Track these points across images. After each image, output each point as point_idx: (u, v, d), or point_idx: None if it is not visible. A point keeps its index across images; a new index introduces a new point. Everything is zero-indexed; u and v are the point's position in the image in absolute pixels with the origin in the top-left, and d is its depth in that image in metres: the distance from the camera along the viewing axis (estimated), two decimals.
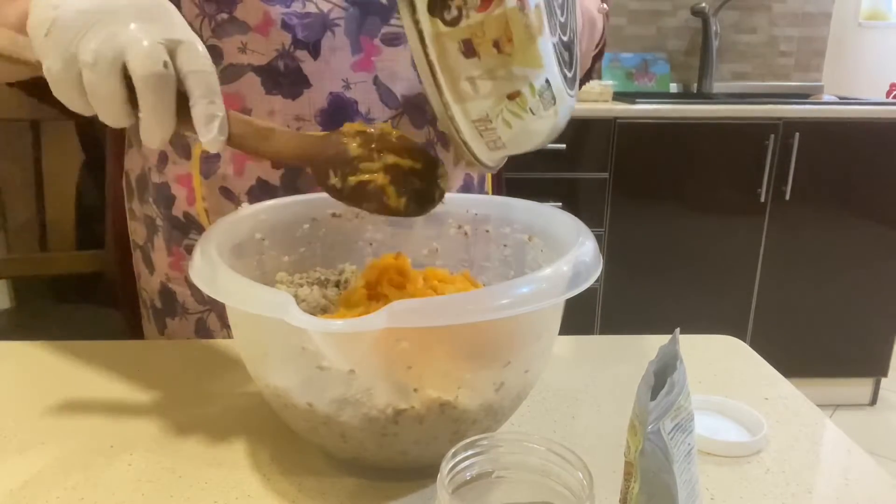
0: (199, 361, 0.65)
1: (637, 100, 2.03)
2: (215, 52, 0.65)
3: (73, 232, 1.40)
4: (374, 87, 0.67)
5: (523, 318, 0.42)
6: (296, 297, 0.56)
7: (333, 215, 0.61)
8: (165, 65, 0.41)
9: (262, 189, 0.68)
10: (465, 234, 0.62)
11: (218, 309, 0.72)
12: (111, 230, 0.83)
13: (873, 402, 2.27)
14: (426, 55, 0.37)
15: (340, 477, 0.48)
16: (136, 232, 0.76)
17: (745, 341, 0.71)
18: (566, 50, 0.43)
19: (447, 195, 0.62)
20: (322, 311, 0.55)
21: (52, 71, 0.42)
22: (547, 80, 0.38)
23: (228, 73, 0.66)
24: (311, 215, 0.60)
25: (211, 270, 0.44)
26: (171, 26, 0.43)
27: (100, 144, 1.32)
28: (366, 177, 0.46)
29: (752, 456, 0.52)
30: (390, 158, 0.46)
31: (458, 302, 0.40)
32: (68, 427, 0.54)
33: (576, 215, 0.54)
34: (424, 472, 0.47)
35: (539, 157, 1.93)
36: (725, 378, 0.64)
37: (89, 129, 1.48)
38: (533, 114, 0.39)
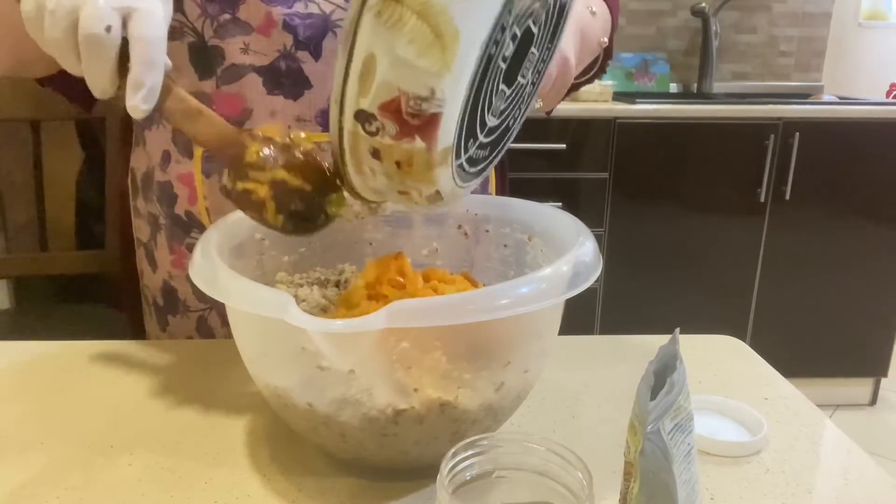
0: (199, 361, 0.65)
1: (637, 100, 2.03)
2: (217, 53, 0.65)
3: (73, 232, 1.40)
4: None
5: (523, 318, 0.42)
6: (296, 297, 0.56)
7: None
8: (108, 29, 0.41)
9: None
10: (465, 234, 0.62)
11: (219, 307, 0.72)
12: (116, 227, 0.83)
13: (873, 402, 2.27)
14: (340, 139, 0.42)
15: (340, 477, 0.48)
16: (140, 229, 0.77)
17: (745, 341, 0.71)
18: (481, 148, 0.46)
19: None
20: (322, 311, 0.55)
21: (25, 11, 0.43)
22: (437, 191, 0.43)
23: (230, 74, 0.66)
24: None
25: (211, 270, 0.44)
26: None
27: (100, 144, 1.32)
28: (250, 186, 0.45)
29: (752, 456, 0.52)
30: (279, 174, 0.45)
31: (458, 302, 0.40)
32: (68, 427, 0.54)
33: (576, 215, 0.54)
34: (424, 472, 0.47)
35: (539, 157, 1.93)
36: (725, 378, 0.64)
37: (89, 129, 1.48)
38: (417, 204, 0.45)
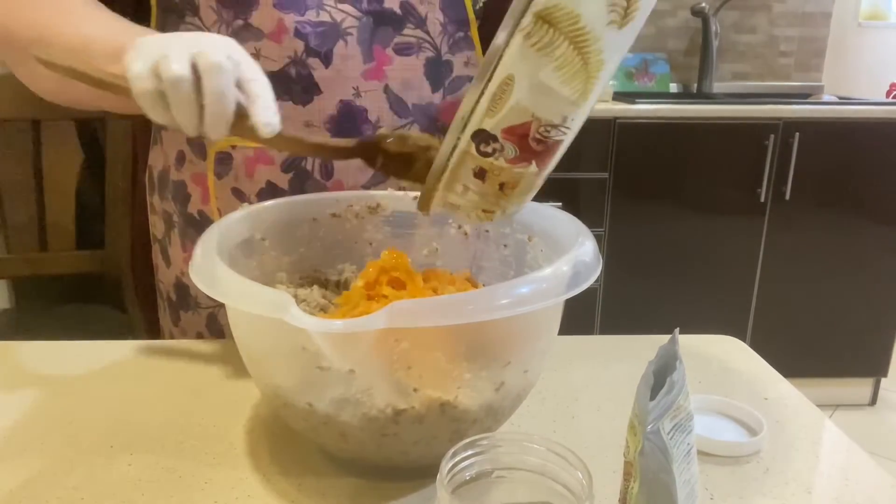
0: (200, 361, 0.65)
1: (637, 100, 2.03)
2: None
3: (73, 232, 1.40)
4: (385, 95, 0.68)
5: (523, 318, 0.42)
6: (296, 297, 0.56)
7: (333, 215, 0.61)
8: (228, 58, 0.46)
9: (271, 192, 0.68)
10: (465, 234, 0.62)
11: None
12: (116, 227, 0.84)
13: (873, 402, 2.27)
14: (448, 156, 0.42)
15: (340, 477, 0.48)
16: (156, 226, 0.78)
17: (745, 341, 0.71)
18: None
19: None
20: (322, 311, 0.55)
21: (134, 73, 0.47)
22: (517, 210, 0.45)
23: None
24: (311, 215, 0.60)
25: (211, 270, 0.44)
26: (235, 47, 0.49)
27: (100, 144, 1.32)
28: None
29: (752, 456, 0.52)
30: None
31: (458, 302, 0.40)
32: (68, 427, 0.54)
33: (576, 215, 0.54)
34: (424, 472, 0.47)
35: None
36: (725, 378, 0.64)
37: (89, 129, 1.48)
38: (493, 221, 0.46)
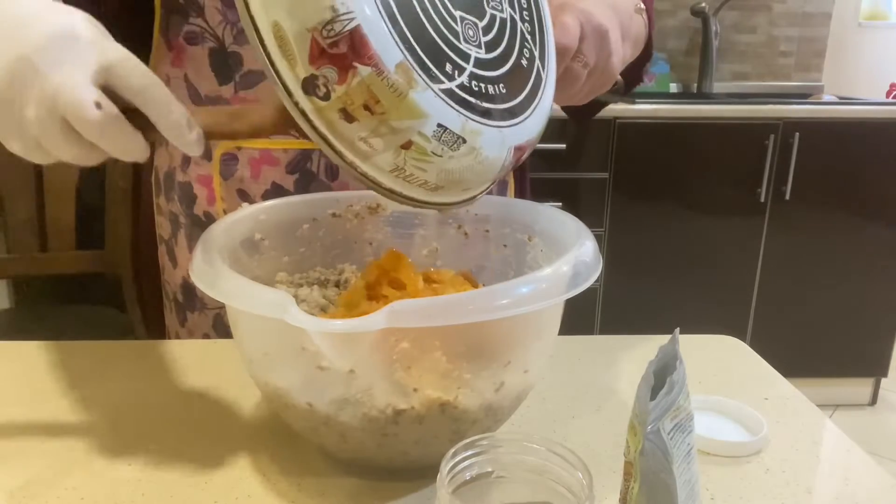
0: (199, 361, 0.65)
1: (637, 100, 2.03)
2: (236, 59, 0.66)
3: (73, 232, 1.40)
4: (185, 84, 0.67)
5: (523, 318, 0.42)
6: (296, 297, 0.56)
7: (333, 215, 0.61)
8: (98, 105, 0.37)
9: (276, 193, 0.69)
10: (465, 234, 0.62)
11: None
12: (116, 226, 0.84)
13: (873, 402, 2.27)
14: (315, 129, 0.39)
15: (340, 477, 0.48)
16: (162, 226, 0.79)
17: (745, 341, 0.71)
18: (487, 82, 0.43)
19: None
20: (322, 311, 0.55)
21: (15, 150, 0.40)
22: (439, 125, 0.39)
23: (248, 80, 0.67)
24: (311, 215, 0.60)
25: (211, 270, 0.44)
26: (94, 50, 0.39)
27: None
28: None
29: (752, 456, 0.52)
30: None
31: (458, 302, 0.40)
32: (68, 427, 0.54)
33: (576, 215, 0.54)
34: (424, 472, 0.47)
35: (539, 157, 1.93)
36: (725, 378, 0.64)
37: None
38: (440, 156, 0.41)
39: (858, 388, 2.27)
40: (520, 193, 0.85)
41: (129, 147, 0.40)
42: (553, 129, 1.92)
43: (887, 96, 2.40)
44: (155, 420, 0.55)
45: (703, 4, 2.39)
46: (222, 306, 0.74)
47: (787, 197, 2.03)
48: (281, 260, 0.59)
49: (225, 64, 0.66)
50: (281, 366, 0.45)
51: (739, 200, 2.04)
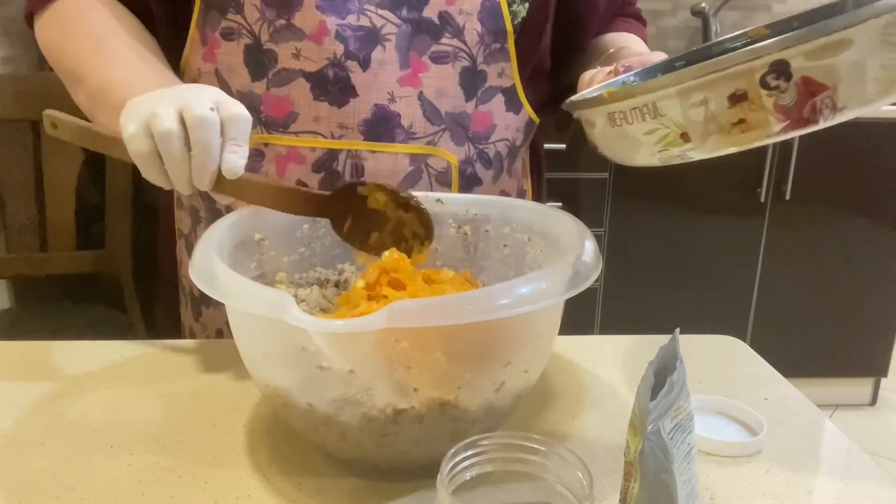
0: (200, 361, 0.65)
1: None
2: (270, 56, 0.67)
3: (73, 232, 1.40)
4: (419, 102, 0.68)
5: (523, 318, 0.42)
6: (296, 297, 0.56)
7: None
8: (212, 108, 0.50)
9: None
10: (465, 234, 0.62)
11: None
12: (116, 227, 0.85)
13: (873, 402, 2.27)
14: (730, 62, 0.41)
15: (340, 477, 0.48)
16: (182, 220, 0.79)
17: (745, 341, 0.71)
18: None
19: (447, 195, 0.63)
20: (322, 311, 0.55)
21: (128, 134, 0.51)
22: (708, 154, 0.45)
23: (281, 77, 0.67)
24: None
25: (211, 270, 0.44)
26: (218, 93, 0.53)
27: None
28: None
29: (752, 456, 0.52)
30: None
31: (458, 302, 0.40)
32: (68, 427, 0.54)
33: (576, 215, 0.54)
34: (424, 472, 0.47)
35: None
36: (725, 378, 0.64)
37: None
38: (668, 157, 0.46)
39: (858, 388, 2.27)
40: (536, 196, 0.85)
41: (207, 155, 0.50)
42: (553, 129, 1.92)
43: None
44: (155, 420, 0.55)
45: (703, 4, 2.39)
46: None
47: (787, 197, 2.03)
48: (281, 260, 0.59)
49: (259, 60, 0.67)
50: (281, 366, 0.45)
51: (739, 200, 2.04)
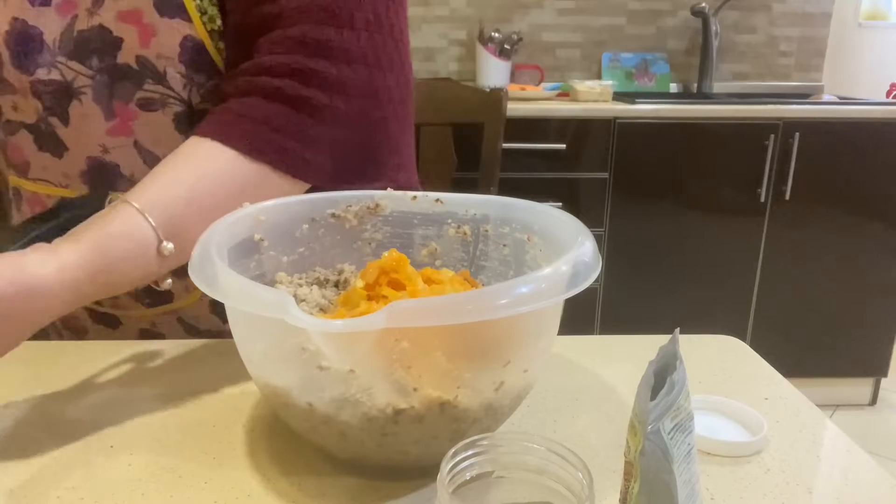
0: (200, 361, 0.65)
1: (637, 100, 2.03)
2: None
3: None
4: (136, 150, 0.67)
5: (523, 318, 0.42)
6: (296, 297, 0.56)
7: (332, 215, 0.61)
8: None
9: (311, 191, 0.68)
10: (465, 234, 0.62)
11: None
12: None
13: (873, 402, 2.27)
14: None
15: (340, 477, 0.48)
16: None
17: (745, 341, 0.71)
18: None
19: (446, 195, 0.62)
20: (322, 311, 0.55)
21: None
22: None
23: (9, 127, 0.69)
24: (310, 215, 0.60)
25: (211, 270, 0.44)
26: None
27: None
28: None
29: (752, 456, 0.52)
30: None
31: (458, 302, 0.40)
32: (68, 427, 0.54)
33: (576, 215, 0.54)
34: (424, 472, 0.47)
35: (539, 157, 1.93)
36: (725, 378, 0.64)
37: None
38: None
39: (858, 388, 2.27)
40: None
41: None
42: (553, 129, 1.92)
43: (887, 96, 2.40)
44: (155, 420, 0.55)
45: (703, 4, 2.39)
46: None
47: (787, 197, 2.03)
48: (281, 260, 0.59)
49: (195, 124, 0.64)
50: (281, 366, 0.45)
51: (739, 200, 2.04)
